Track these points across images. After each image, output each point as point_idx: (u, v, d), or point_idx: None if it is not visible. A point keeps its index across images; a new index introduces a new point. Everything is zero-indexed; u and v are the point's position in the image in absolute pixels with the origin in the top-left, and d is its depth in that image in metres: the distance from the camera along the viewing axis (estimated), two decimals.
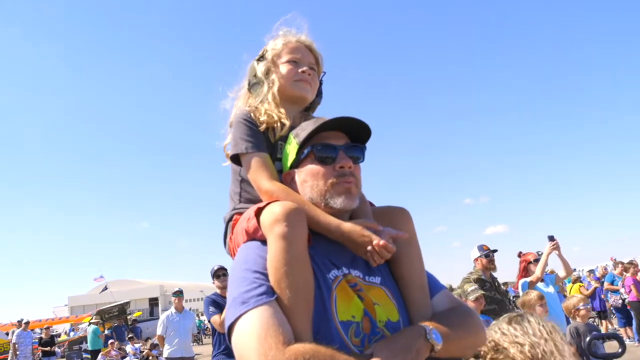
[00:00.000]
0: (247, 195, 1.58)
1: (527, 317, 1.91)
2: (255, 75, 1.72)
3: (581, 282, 16.20)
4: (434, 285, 1.46)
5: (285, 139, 1.54)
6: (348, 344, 1.19)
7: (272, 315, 1.12)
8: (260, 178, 1.46)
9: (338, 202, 1.33)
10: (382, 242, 1.27)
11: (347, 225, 1.31)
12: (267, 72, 1.69)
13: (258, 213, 1.31)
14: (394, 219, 1.45)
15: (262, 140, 1.54)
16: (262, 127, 1.55)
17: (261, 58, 1.73)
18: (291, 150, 1.45)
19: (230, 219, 1.58)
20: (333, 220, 1.32)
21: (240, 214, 1.51)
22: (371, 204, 1.58)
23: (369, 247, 1.29)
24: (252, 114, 1.58)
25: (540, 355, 1.76)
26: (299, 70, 1.66)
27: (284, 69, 1.67)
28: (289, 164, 1.46)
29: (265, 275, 1.21)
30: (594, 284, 14.80)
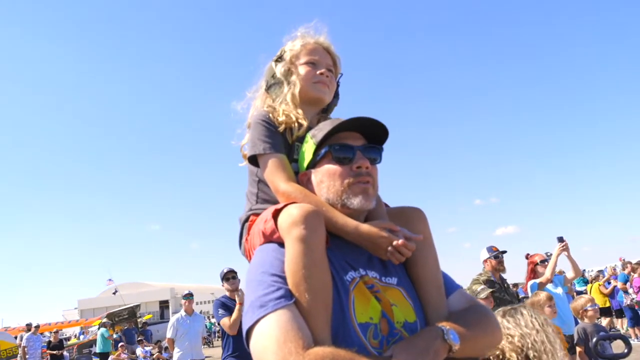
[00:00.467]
0: (264, 196, 1.58)
1: (520, 309, 1.96)
2: (273, 76, 1.73)
3: (599, 281, 16.09)
4: (449, 285, 1.45)
5: (302, 139, 1.54)
6: (367, 346, 1.18)
7: (291, 319, 1.12)
8: (278, 179, 1.46)
9: (355, 203, 1.32)
10: (401, 241, 1.28)
11: (365, 227, 1.31)
12: (287, 73, 1.69)
13: (275, 215, 1.30)
14: (409, 220, 1.45)
15: (280, 141, 1.55)
16: (281, 128, 1.56)
17: (279, 59, 1.73)
18: (308, 150, 1.45)
19: (246, 220, 1.57)
20: (351, 222, 1.32)
21: (257, 214, 1.50)
22: (386, 205, 1.58)
23: (390, 248, 1.29)
24: (270, 115, 1.59)
25: (530, 345, 1.82)
26: (317, 72, 1.67)
27: (302, 70, 1.67)
28: (305, 164, 1.46)
29: (283, 278, 1.20)
30: (613, 283, 14.67)
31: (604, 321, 14.78)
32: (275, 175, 1.47)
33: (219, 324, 6.02)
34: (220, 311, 5.88)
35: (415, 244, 1.34)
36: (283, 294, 1.16)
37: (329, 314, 1.18)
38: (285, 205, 1.30)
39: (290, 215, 1.24)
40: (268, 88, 1.74)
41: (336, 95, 1.80)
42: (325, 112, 1.80)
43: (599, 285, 14.63)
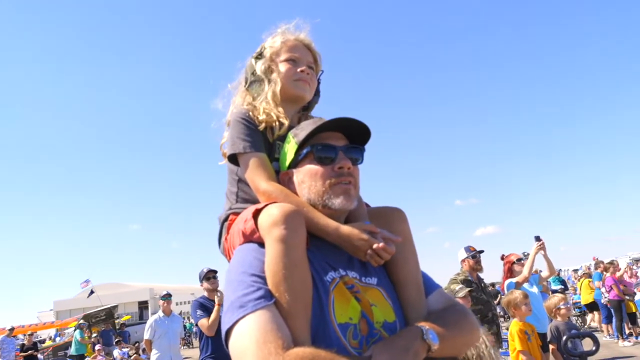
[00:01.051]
0: (244, 195, 1.56)
1: None
2: (253, 73, 1.69)
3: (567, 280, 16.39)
4: (429, 285, 1.46)
5: (283, 138, 1.52)
6: (346, 346, 1.18)
7: (271, 319, 1.11)
8: (258, 179, 1.44)
9: (336, 203, 1.32)
10: (381, 244, 1.27)
11: (345, 229, 1.31)
12: (267, 71, 1.66)
13: (256, 215, 1.29)
14: (389, 220, 1.45)
15: (260, 140, 1.53)
16: (261, 127, 1.54)
17: (259, 56, 1.70)
18: (290, 149, 1.44)
19: (226, 219, 1.55)
20: (331, 223, 1.31)
21: (237, 214, 1.49)
22: (367, 205, 1.57)
23: (369, 251, 1.28)
24: (250, 113, 1.57)
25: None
26: (298, 70, 1.65)
27: (282, 67, 1.65)
28: (287, 163, 1.45)
29: (263, 278, 1.19)
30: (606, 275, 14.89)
31: (590, 316, 15.10)
32: (255, 174, 1.46)
33: (197, 325, 5.98)
34: (199, 312, 5.83)
35: (396, 244, 1.34)
36: (263, 295, 1.16)
37: (309, 314, 1.18)
38: (265, 205, 1.29)
39: (271, 215, 1.23)
40: (248, 85, 1.71)
41: (317, 93, 1.78)
42: (306, 110, 1.78)
43: (589, 282, 14.88)
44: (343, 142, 1.41)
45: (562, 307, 5.47)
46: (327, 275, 1.28)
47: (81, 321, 19.81)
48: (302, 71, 1.65)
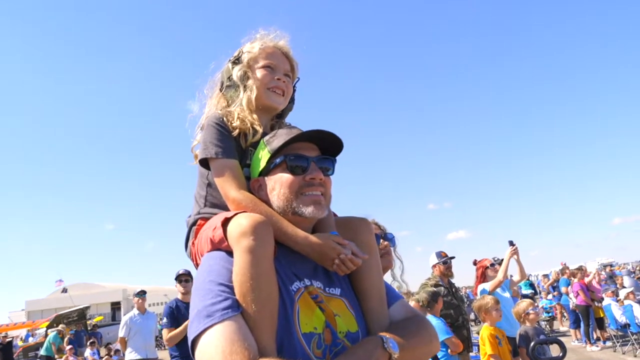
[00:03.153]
0: (213, 200, 1.56)
1: None
2: (229, 78, 1.69)
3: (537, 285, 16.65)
4: (391, 295, 1.50)
5: (256, 145, 1.53)
6: (310, 356, 1.20)
7: (238, 330, 1.13)
8: (228, 186, 1.45)
9: (307, 212, 1.34)
10: (350, 255, 1.32)
11: (314, 238, 1.33)
12: (243, 77, 1.66)
13: (225, 223, 1.30)
14: (355, 230, 1.49)
15: (233, 146, 1.54)
16: (235, 133, 1.54)
17: (237, 60, 1.69)
18: (262, 157, 1.45)
19: (194, 223, 1.55)
20: (300, 232, 1.34)
21: (205, 219, 1.50)
22: (334, 215, 1.59)
23: (336, 260, 1.32)
24: (224, 118, 1.57)
25: None
26: (275, 78, 1.65)
27: (259, 74, 1.65)
28: (258, 170, 1.46)
29: (231, 288, 1.21)
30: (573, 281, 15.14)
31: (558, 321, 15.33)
32: (226, 181, 1.46)
33: (160, 330, 5.96)
34: (165, 320, 5.81)
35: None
36: (230, 305, 1.17)
37: (275, 324, 1.19)
38: (235, 214, 1.30)
39: (240, 225, 1.24)
40: (224, 89, 1.71)
41: (292, 100, 1.80)
42: (280, 117, 1.79)
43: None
44: (315, 152, 1.43)
45: (530, 312, 5.56)
46: (292, 285, 1.30)
47: (60, 327, 19.33)
48: (278, 79, 1.66)
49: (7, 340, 18.37)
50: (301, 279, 1.33)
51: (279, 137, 1.43)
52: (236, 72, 1.67)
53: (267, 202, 1.41)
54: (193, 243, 1.51)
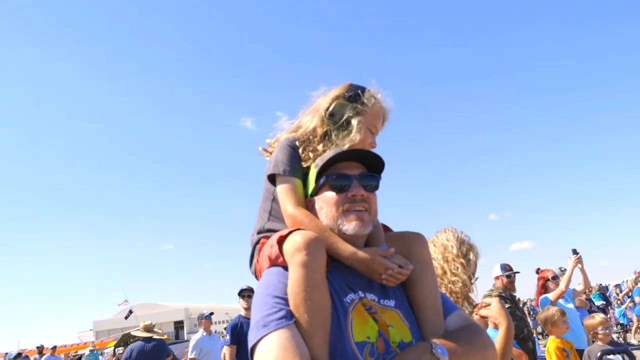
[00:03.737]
0: (277, 214, 1.66)
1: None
2: (342, 116, 1.72)
3: (608, 296, 15.78)
4: (447, 306, 1.53)
5: None
6: None
7: (291, 337, 1.22)
8: (288, 202, 1.56)
9: (349, 229, 1.42)
10: (395, 269, 1.39)
11: (362, 253, 1.41)
12: (356, 123, 1.70)
13: (280, 241, 1.41)
14: (409, 244, 1.55)
15: (300, 169, 1.64)
16: (307, 164, 1.64)
17: (354, 99, 1.74)
18: (312, 178, 1.55)
19: (257, 242, 1.67)
20: (349, 248, 1.42)
21: (267, 237, 1.60)
22: (388, 229, 1.67)
23: (384, 276, 1.40)
24: (300, 145, 1.67)
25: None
26: (367, 142, 1.72)
27: (364, 133, 1.71)
28: (310, 191, 1.56)
29: (285, 300, 1.30)
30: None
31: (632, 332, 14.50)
32: (286, 197, 1.57)
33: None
34: (228, 336, 6.01)
35: (415, 266, 1.46)
36: (284, 315, 1.27)
37: (327, 333, 1.27)
38: (289, 232, 1.40)
39: (294, 242, 1.35)
40: (327, 118, 1.74)
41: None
42: None
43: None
44: (359, 170, 1.50)
45: (599, 332, 5.24)
46: (346, 297, 1.38)
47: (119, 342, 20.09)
48: (369, 143, 1.74)
49: (77, 358, 19.31)
50: (355, 291, 1.40)
51: (324, 158, 1.53)
52: (354, 122, 1.71)
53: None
54: (257, 261, 1.62)
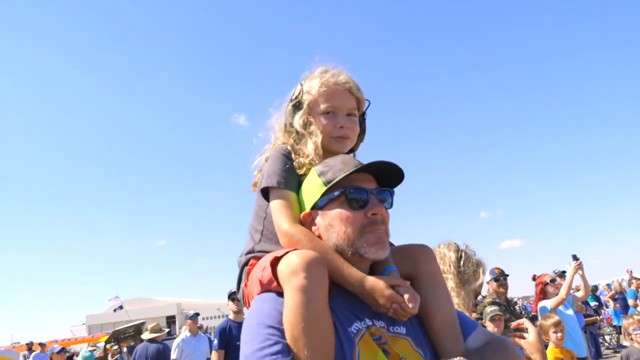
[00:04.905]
0: (269, 235, 1.45)
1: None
2: (291, 124, 1.56)
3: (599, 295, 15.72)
4: (467, 325, 1.35)
5: None
6: None
7: None
8: (283, 218, 1.35)
9: (370, 253, 1.23)
10: (403, 304, 1.19)
11: (370, 282, 1.21)
12: (305, 125, 1.53)
13: (274, 263, 1.21)
14: (415, 259, 1.36)
15: (296, 179, 1.44)
16: (301, 171, 1.44)
17: (298, 105, 1.56)
18: (315, 188, 1.33)
19: (246, 263, 1.46)
20: (356, 274, 1.22)
21: (257, 258, 1.41)
22: (390, 243, 1.45)
23: (391, 310, 1.20)
24: (293, 153, 1.49)
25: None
26: (338, 126, 1.52)
27: (320, 122, 1.52)
28: (311, 203, 1.34)
29: (281, 331, 1.11)
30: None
31: None
32: (281, 213, 1.36)
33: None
34: (215, 341, 5.88)
35: (426, 287, 1.28)
36: (280, 349, 1.07)
37: None
38: (285, 253, 1.20)
39: (291, 264, 1.14)
40: (287, 129, 1.59)
41: (362, 131, 1.65)
42: (351, 151, 1.66)
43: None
44: (373, 184, 1.32)
45: (631, 332, 4.80)
46: (352, 326, 1.18)
47: (112, 340, 20.00)
48: (341, 127, 1.53)
49: (68, 357, 19.18)
50: (362, 319, 1.21)
51: (334, 168, 1.31)
52: (297, 121, 1.54)
53: (320, 238, 1.30)
54: (246, 284, 1.42)
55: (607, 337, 14.35)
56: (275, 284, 1.19)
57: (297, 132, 1.55)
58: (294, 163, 1.46)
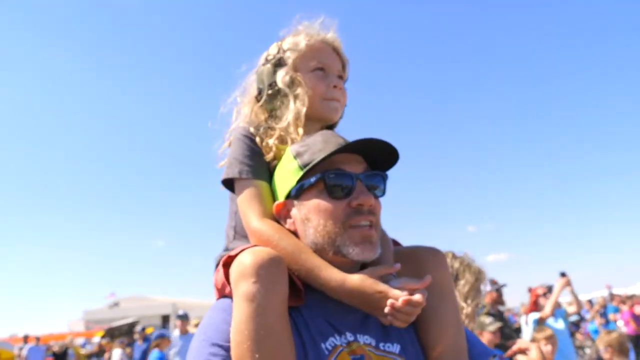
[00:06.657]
0: (243, 232, 1.15)
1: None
2: (271, 85, 1.27)
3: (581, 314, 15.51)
4: (477, 351, 1.06)
5: None
6: None
7: None
8: (251, 213, 1.08)
9: (354, 253, 0.95)
10: (402, 300, 0.88)
11: (354, 281, 0.92)
12: (291, 84, 1.25)
13: (227, 263, 0.95)
14: (422, 264, 1.06)
15: (263, 164, 1.15)
16: (268, 157, 1.16)
17: (279, 62, 1.28)
18: (290, 172, 1.04)
19: (218, 263, 1.15)
20: (336, 276, 0.93)
21: (231, 257, 1.13)
22: (397, 244, 1.18)
23: (387, 309, 0.89)
24: (255, 132, 1.20)
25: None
26: (331, 85, 1.25)
27: (310, 80, 1.24)
28: (285, 191, 1.06)
29: (227, 350, 0.85)
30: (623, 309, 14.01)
31: None
32: (249, 207, 1.09)
33: None
34: None
35: (430, 297, 0.96)
36: None
37: None
38: (241, 251, 0.94)
39: (240, 265, 0.89)
40: (262, 98, 1.29)
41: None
42: (330, 127, 1.36)
43: None
44: (361, 166, 1.03)
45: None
46: (326, 342, 0.91)
47: (107, 337, 19.75)
48: (334, 87, 1.26)
49: (61, 352, 18.91)
50: (341, 332, 0.93)
51: (313, 148, 1.02)
52: (282, 78, 1.25)
53: (296, 233, 1.02)
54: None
55: (586, 350, 14.10)
56: (229, 288, 0.93)
57: (278, 94, 1.27)
58: (260, 145, 1.17)
